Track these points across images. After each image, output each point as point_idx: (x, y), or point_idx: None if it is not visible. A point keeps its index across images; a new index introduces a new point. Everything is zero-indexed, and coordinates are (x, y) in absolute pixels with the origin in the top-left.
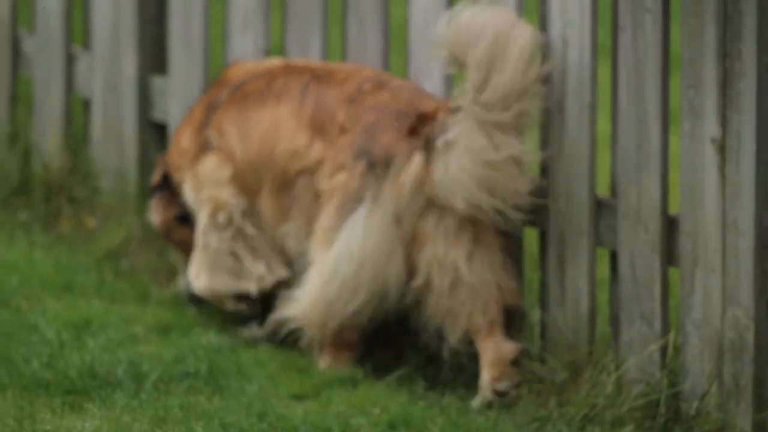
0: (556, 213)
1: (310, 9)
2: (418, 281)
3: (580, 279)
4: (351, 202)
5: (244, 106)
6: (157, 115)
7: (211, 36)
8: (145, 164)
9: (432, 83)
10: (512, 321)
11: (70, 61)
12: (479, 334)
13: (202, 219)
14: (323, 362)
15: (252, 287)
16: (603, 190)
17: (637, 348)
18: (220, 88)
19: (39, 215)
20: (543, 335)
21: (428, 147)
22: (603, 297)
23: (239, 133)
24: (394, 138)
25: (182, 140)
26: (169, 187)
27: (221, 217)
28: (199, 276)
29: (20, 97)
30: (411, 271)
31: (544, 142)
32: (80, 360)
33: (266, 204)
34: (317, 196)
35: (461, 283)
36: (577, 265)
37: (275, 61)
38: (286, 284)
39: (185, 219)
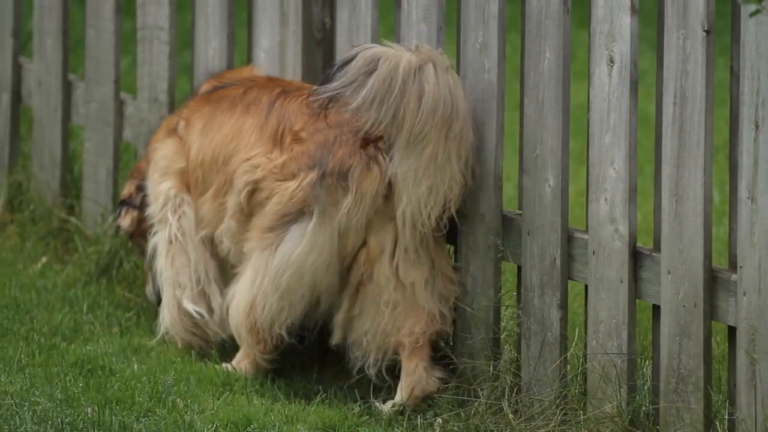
0: (747, 307)
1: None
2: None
3: None
4: (295, 212)
5: (216, 107)
6: None
7: None
8: None
9: (617, 166)
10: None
11: None
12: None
13: None
14: (241, 362)
15: None
16: None
17: None
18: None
19: None
20: None
21: (378, 159)
22: None
23: (202, 130)
24: (349, 151)
25: (157, 134)
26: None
27: None
28: None
29: None
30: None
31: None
32: None
33: (207, 204)
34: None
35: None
36: None
37: (262, 75)
38: None
39: None
